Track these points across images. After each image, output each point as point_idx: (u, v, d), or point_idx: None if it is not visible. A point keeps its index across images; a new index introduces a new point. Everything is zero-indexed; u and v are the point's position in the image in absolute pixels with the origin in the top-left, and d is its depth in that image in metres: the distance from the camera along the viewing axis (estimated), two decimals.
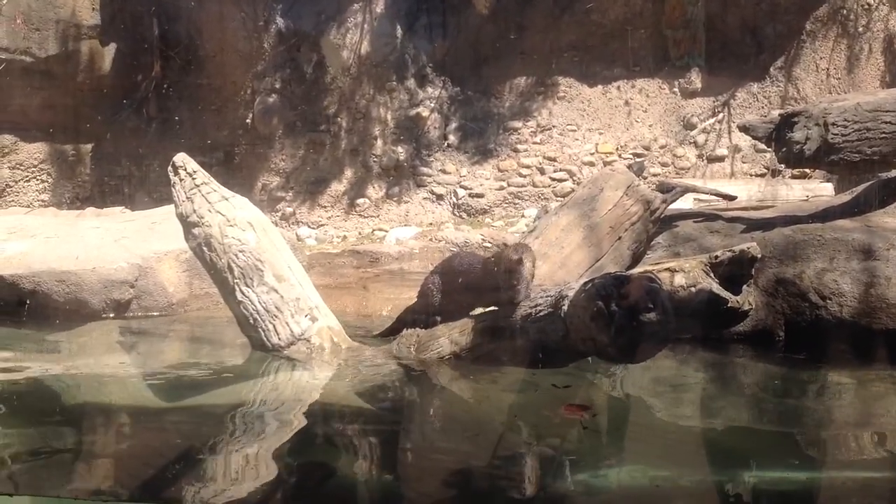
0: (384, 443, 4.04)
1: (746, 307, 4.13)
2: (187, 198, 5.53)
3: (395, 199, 12.79)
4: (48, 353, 6.11)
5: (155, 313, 7.18)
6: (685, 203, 7.52)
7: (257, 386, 5.00)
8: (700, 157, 12.63)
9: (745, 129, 6.19)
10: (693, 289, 4.05)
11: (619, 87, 13.02)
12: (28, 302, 6.85)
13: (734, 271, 4.13)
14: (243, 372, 5.28)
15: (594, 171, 11.91)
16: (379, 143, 12.96)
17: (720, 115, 12.68)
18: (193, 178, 5.56)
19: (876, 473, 3.69)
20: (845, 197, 6.24)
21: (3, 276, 7.01)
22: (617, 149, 12.72)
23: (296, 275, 5.49)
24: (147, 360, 5.92)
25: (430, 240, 11.51)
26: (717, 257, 4.12)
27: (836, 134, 5.57)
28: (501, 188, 12.68)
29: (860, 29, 12.53)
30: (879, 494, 3.50)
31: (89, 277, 7.02)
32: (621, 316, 3.85)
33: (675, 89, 12.90)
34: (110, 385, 5.10)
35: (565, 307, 4.21)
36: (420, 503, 3.54)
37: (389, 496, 3.54)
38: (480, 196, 12.61)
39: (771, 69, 12.73)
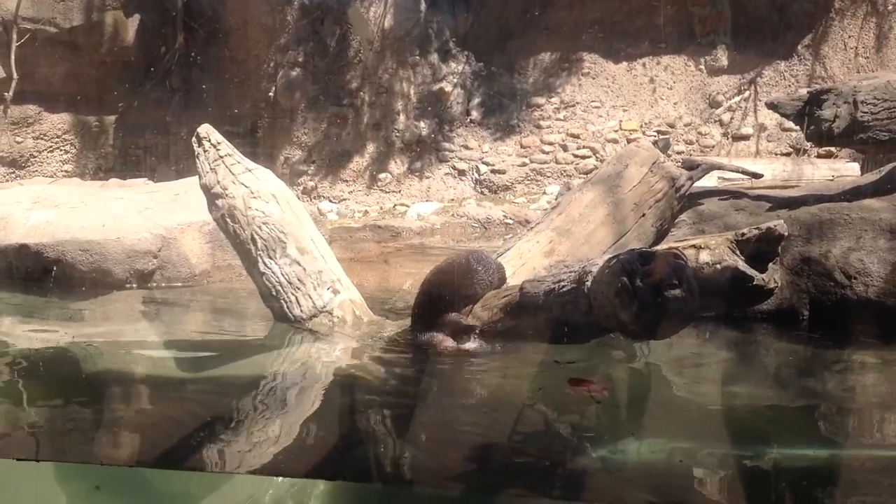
0: (405, 415, 4.05)
1: (772, 285, 4.10)
2: (211, 169, 5.54)
3: (416, 174, 12.78)
4: (73, 322, 6.16)
5: (178, 284, 7.22)
6: (710, 181, 7.47)
7: (279, 357, 5.02)
8: (725, 135, 12.54)
9: (772, 106, 6.13)
10: (719, 266, 4.01)
11: (644, 64, 12.93)
12: (55, 269, 6.91)
13: (760, 249, 4.09)
14: (265, 343, 5.31)
15: (618, 148, 11.85)
16: (401, 117, 12.93)
17: (746, 94, 12.57)
18: (217, 150, 5.57)
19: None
20: (872, 176, 6.17)
21: (28, 244, 7.07)
22: (641, 126, 12.65)
23: (318, 248, 5.49)
24: (170, 331, 5.96)
25: (452, 215, 11.51)
26: (743, 234, 4.08)
27: (866, 112, 5.51)
28: (524, 165, 12.64)
29: (889, 7, 12.36)
30: None
31: (113, 247, 7.06)
32: (645, 292, 3.82)
33: (701, 67, 12.80)
34: (133, 354, 5.13)
35: (589, 283, 4.18)
36: (441, 475, 3.54)
37: (410, 467, 3.55)
38: (502, 172, 12.58)
39: (798, 47, 12.61)
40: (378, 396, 4.36)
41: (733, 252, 4.06)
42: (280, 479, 4.06)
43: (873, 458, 3.58)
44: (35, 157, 12.89)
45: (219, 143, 5.59)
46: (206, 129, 5.66)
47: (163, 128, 12.89)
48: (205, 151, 5.59)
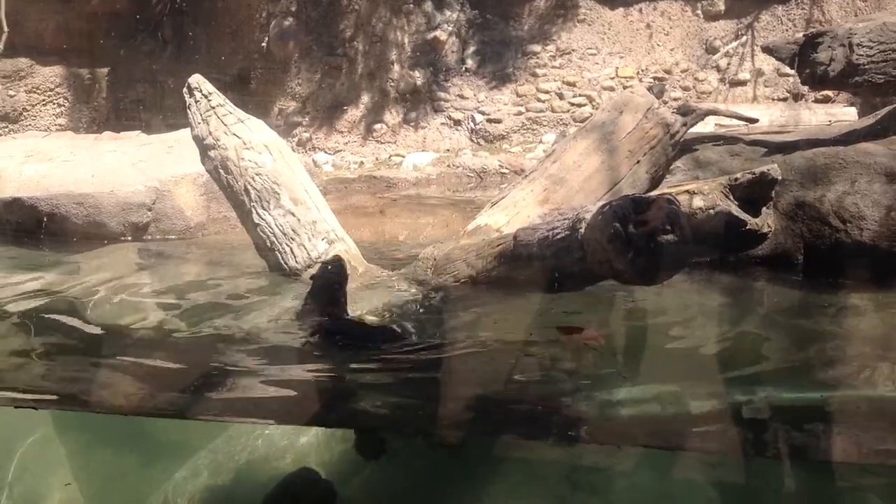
0: (401, 364, 4.07)
1: (766, 229, 4.10)
2: (203, 120, 5.51)
3: (412, 124, 12.70)
4: (67, 275, 6.17)
5: (173, 236, 7.23)
6: (706, 127, 7.43)
7: (275, 308, 5.02)
8: (722, 81, 12.45)
9: (768, 50, 6.07)
10: (712, 211, 4.01)
11: (640, 10, 12.79)
12: (45, 221, 6.92)
13: (754, 193, 4.09)
14: (261, 294, 5.31)
15: (614, 95, 11.77)
16: (396, 67, 12.82)
17: (743, 39, 12.46)
18: (209, 100, 5.54)
19: (892, 395, 3.69)
20: (868, 120, 6.14)
21: (21, 198, 7.07)
22: (637, 73, 12.55)
23: (312, 198, 5.49)
24: (165, 282, 5.97)
25: (448, 166, 11.47)
26: (736, 179, 4.07)
27: (861, 55, 5.46)
28: (520, 113, 12.56)
29: None
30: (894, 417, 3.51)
31: (107, 200, 7.06)
32: (639, 238, 3.81)
33: (698, 12, 12.67)
34: (129, 306, 5.14)
35: (582, 230, 4.18)
36: (438, 424, 3.57)
37: (407, 416, 3.58)
38: (498, 121, 12.50)
39: None
40: (374, 345, 4.37)
41: (727, 197, 4.05)
42: (275, 427, 4.11)
43: (866, 401, 3.60)
44: (28, 110, 12.82)
45: (210, 94, 5.56)
46: (197, 80, 5.63)
47: (155, 79, 12.79)
48: (196, 102, 5.56)
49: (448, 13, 12.88)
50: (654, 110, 5.68)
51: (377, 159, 12.40)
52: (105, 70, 13.05)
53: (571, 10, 12.80)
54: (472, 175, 11.10)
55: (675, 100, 11.75)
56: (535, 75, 12.70)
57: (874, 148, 5.49)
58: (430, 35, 12.82)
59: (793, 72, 7.00)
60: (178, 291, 5.52)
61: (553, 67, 12.68)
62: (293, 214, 5.32)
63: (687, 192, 4.08)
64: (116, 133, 9.83)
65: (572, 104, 12.54)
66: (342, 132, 12.76)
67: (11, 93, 12.71)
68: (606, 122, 5.72)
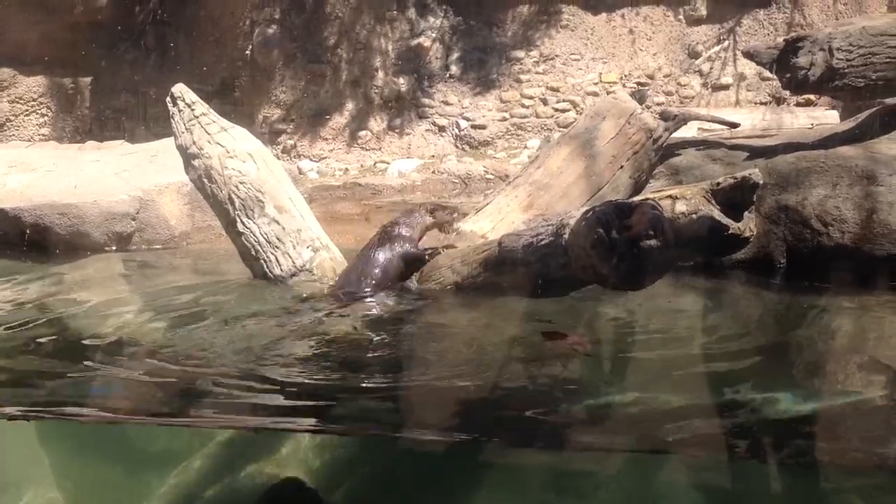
0: (387, 370, 4.07)
1: (748, 234, 4.11)
2: (186, 129, 5.51)
3: (396, 131, 12.72)
4: (51, 285, 6.14)
5: (157, 246, 7.22)
6: (689, 132, 7.46)
7: (260, 317, 5.01)
8: (705, 85, 12.52)
9: (748, 55, 6.12)
10: (694, 216, 4.02)
11: (623, 16, 12.85)
12: (27, 233, 6.90)
13: (736, 197, 4.10)
14: (246, 303, 5.30)
15: (597, 101, 11.80)
16: (380, 74, 12.84)
17: (725, 43, 12.53)
18: (192, 109, 5.54)
19: (874, 398, 3.71)
20: (849, 124, 6.19)
21: (4, 209, 7.04)
22: (621, 78, 12.61)
23: (297, 206, 5.49)
24: (150, 292, 5.95)
25: (433, 172, 11.49)
26: (718, 184, 4.09)
27: (841, 59, 5.51)
28: (504, 119, 12.59)
29: None
30: (877, 419, 3.52)
31: (90, 210, 7.05)
32: (622, 243, 3.83)
33: (681, 17, 12.74)
34: (114, 316, 5.12)
35: (566, 235, 4.19)
36: (423, 428, 3.57)
37: (393, 421, 3.58)
38: (483, 127, 12.53)
39: None
40: (360, 352, 4.38)
41: (709, 202, 4.06)
42: (262, 435, 4.09)
43: (850, 404, 3.62)
44: (11, 120, 12.78)
45: (193, 103, 5.56)
46: (180, 89, 5.62)
47: (138, 89, 12.77)
48: (179, 111, 5.55)
49: (432, 20, 12.91)
50: (637, 115, 5.72)
51: (362, 166, 12.41)
52: (88, 80, 13.02)
53: (554, 15, 12.85)
54: (457, 181, 11.12)
55: (658, 104, 11.82)
56: (518, 81, 12.74)
57: (854, 151, 5.54)
58: (414, 42, 12.84)
59: (774, 76, 7.05)
60: (161, 302, 5.51)
61: (537, 73, 12.73)
62: (278, 223, 5.32)
63: (669, 196, 4.09)
64: (100, 143, 9.81)
65: (556, 109, 12.59)
66: (327, 139, 12.76)
67: None
68: (590, 127, 5.74)
